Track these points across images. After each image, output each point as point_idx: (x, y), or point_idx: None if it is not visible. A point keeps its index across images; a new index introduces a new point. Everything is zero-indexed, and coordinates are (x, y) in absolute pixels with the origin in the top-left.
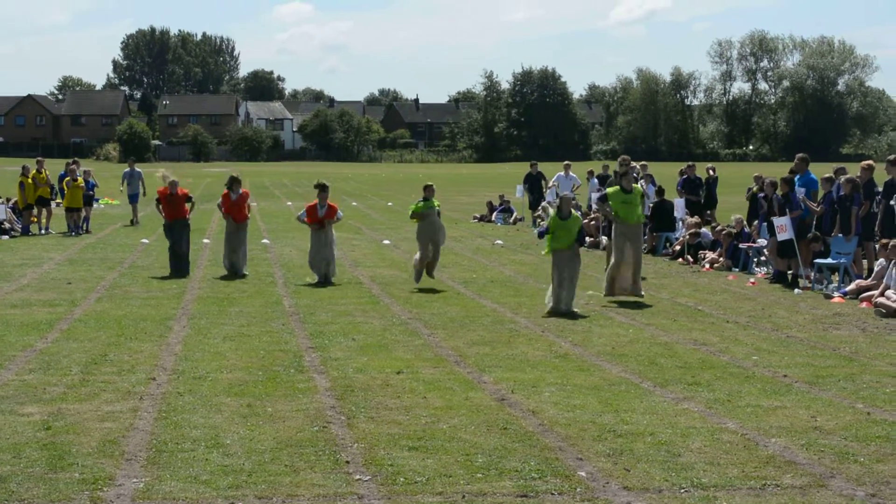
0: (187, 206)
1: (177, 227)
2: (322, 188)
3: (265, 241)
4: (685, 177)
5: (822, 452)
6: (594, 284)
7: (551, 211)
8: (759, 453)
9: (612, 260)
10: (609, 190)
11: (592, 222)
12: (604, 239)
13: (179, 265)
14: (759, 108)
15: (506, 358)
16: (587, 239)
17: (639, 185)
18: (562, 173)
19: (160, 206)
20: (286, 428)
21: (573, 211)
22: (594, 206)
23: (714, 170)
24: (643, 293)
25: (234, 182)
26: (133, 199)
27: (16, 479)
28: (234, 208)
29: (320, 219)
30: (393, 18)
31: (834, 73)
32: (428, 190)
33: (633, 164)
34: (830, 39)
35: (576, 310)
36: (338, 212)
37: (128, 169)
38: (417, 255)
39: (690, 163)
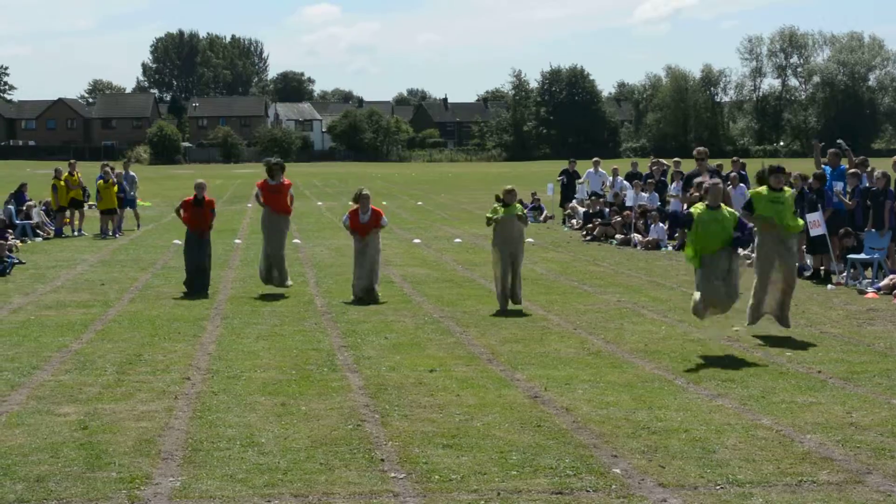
0: (210, 214)
1: (200, 240)
2: (359, 197)
3: (297, 241)
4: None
5: (858, 449)
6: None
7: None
8: (794, 450)
9: (756, 280)
10: (751, 193)
11: (618, 219)
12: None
13: (202, 281)
14: (789, 104)
15: (538, 355)
16: (617, 237)
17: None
18: (591, 170)
19: (181, 213)
20: (320, 426)
21: (723, 206)
22: (629, 203)
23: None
24: (791, 324)
25: (273, 167)
26: (130, 204)
27: (54, 478)
28: (274, 197)
29: (364, 225)
30: (420, 19)
31: (864, 69)
32: (509, 195)
33: (664, 161)
34: (860, 35)
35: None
36: (382, 218)
37: (122, 171)
38: (497, 272)
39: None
